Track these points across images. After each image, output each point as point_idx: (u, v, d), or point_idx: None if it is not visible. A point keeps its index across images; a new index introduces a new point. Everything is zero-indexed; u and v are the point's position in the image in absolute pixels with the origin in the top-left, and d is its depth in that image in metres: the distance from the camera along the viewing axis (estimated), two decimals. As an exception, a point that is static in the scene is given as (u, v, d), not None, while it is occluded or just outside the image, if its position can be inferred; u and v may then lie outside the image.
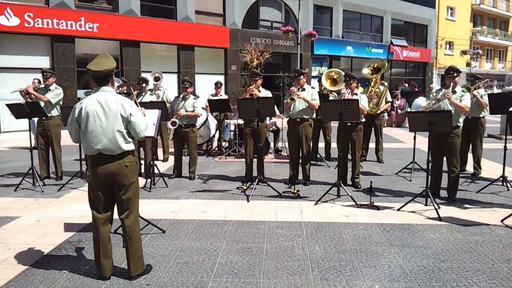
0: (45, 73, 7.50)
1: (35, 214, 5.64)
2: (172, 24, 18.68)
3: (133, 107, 3.66)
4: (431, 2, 33.09)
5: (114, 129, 3.56)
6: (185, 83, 7.83)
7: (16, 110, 6.98)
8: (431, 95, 6.43)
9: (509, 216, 5.22)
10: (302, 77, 7.02)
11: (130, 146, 3.69)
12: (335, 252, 4.30)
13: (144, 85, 8.47)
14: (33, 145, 7.29)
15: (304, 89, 7.01)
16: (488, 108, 7.56)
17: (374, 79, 8.81)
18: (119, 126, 3.58)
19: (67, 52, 15.85)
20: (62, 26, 15.52)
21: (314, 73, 24.70)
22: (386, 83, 9.18)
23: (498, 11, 41.07)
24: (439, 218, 5.28)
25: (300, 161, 7.24)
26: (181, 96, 7.78)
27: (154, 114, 5.49)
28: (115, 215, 3.78)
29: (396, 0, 29.97)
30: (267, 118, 9.42)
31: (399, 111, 17.47)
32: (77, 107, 3.65)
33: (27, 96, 7.91)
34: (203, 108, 11.03)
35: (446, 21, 35.04)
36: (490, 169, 8.31)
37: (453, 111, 5.85)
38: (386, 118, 16.95)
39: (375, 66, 8.96)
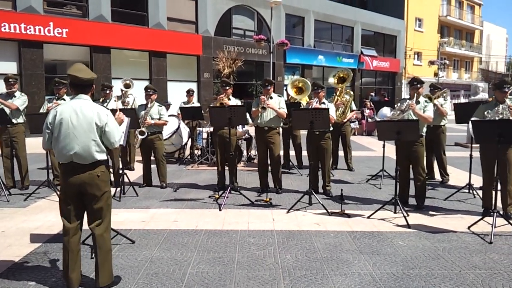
0: (10, 79, 7.29)
1: (0, 224, 5.46)
2: (143, 31, 18.51)
3: (109, 116, 3.60)
4: (400, 14, 33.99)
5: (88, 137, 3.50)
6: (149, 90, 7.75)
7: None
8: (395, 106, 6.58)
9: (475, 223, 5.36)
10: (270, 86, 7.06)
11: (103, 156, 3.63)
12: (306, 261, 4.32)
13: (108, 91, 8.33)
14: None
15: (271, 98, 7.05)
16: (447, 116, 8.09)
17: (340, 89, 8.94)
18: (93, 134, 3.53)
19: (35, 57, 15.49)
20: (30, 31, 15.18)
21: (286, 82, 24.88)
22: (352, 92, 9.34)
23: (464, 23, 42.46)
24: (408, 226, 5.37)
25: (270, 169, 7.26)
26: (147, 104, 7.68)
27: (123, 122, 5.39)
28: (85, 225, 3.69)
29: (366, 11, 30.67)
30: (239, 126, 9.47)
31: (369, 119, 17.77)
32: (52, 113, 3.59)
33: None
34: (175, 116, 10.96)
35: (415, 32, 35.97)
36: (457, 176, 8.53)
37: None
38: (357, 126, 17.25)
39: (341, 76, 9.10)
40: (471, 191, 7.16)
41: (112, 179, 7.72)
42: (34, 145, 7.57)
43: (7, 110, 7.06)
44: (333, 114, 7.22)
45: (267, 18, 22.11)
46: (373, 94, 24.88)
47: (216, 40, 21.29)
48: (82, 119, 3.50)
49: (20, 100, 7.30)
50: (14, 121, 7.20)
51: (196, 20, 20.76)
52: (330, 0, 28.17)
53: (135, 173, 8.92)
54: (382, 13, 31.63)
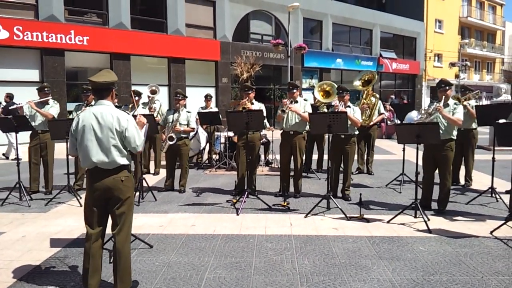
0: (46, 88, 7.51)
1: (21, 229, 5.55)
2: (162, 37, 18.72)
3: (129, 121, 3.62)
4: (420, 15, 33.60)
5: (109, 143, 3.54)
6: (178, 95, 7.78)
7: (3, 124, 6.92)
8: (422, 109, 6.45)
9: (498, 227, 5.23)
10: (295, 90, 7.03)
11: (126, 161, 3.66)
12: (324, 266, 4.27)
13: (137, 98, 8.44)
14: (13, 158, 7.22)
15: (296, 102, 7.02)
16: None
17: (365, 91, 8.87)
18: (114, 140, 3.56)
19: (56, 65, 15.79)
20: (52, 39, 15.50)
21: (304, 85, 24.84)
22: (377, 95, 9.24)
23: (485, 23, 41.75)
24: (429, 230, 5.27)
25: (292, 174, 7.23)
26: (174, 109, 7.75)
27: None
28: (108, 230, 3.73)
29: (384, 13, 30.39)
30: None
31: (388, 122, 17.56)
32: (75, 120, 3.67)
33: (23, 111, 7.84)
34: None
35: (435, 33, 35.50)
36: (479, 180, 8.35)
37: (446, 124, 5.88)
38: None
39: (366, 79, 9.02)
40: (493, 195, 6.98)
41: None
42: (56, 150, 7.72)
43: (41, 118, 7.27)
44: (359, 117, 7.13)
45: (284, 22, 22.10)
46: (393, 97, 24.59)
47: (234, 45, 21.39)
48: (104, 125, 3.54)
49: (55, 109, 7.54)
50: (45, 128, 7.36)
51: (214, 26, 20.90)
52: (348, 3, 28.04)
53: (155, 178, 8.99)
54: (401, 15, 31.30)
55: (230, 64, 20.90)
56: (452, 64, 32.22)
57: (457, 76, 33.08)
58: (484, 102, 38.08)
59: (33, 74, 15.42)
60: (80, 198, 6.73)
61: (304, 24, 24.83)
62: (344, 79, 26.76)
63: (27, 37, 14.94)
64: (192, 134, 10.37)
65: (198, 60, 20.20)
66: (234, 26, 21.59)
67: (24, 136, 8.00)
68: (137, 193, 6.96)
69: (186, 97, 8.03)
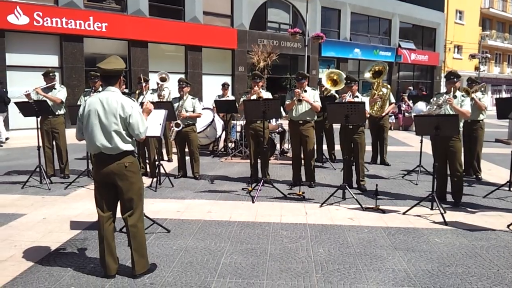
0: (51, 73, 7.57)
1: (41, 211, 5.68)
2: (180, 25, 18.74)
3: (133, 108, 3.64)
4: (440, 6, 32.98)
5: (112, 128, 3.59)
6: (181, 83, 7.87)
7: (24, 108, 7.05)
8: (431, 100, 6.42)
9: (515, 221, 5.19)
10: (304, 80, 7.02)
11: (130, 147, 3.69)
12: (339, 255, 4.29)
13: (144, 84, 8.50)
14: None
15: (305, 91, 7.01)
16: (486, 111, 7.86)
17: (376, 83, 8.79)
18: (117, 126, 3.60)
19: (75, 51, 15.94)
20: (71, 25, 15.62)
21: (321, 75, 24.63)
22: (389, 86, 9.16)
23: (507, 15, 40.78)
24: (445, 223, 5.25)
25: (303, 163, 7.24)
26: (179, 96, 7.81)
27: (160, 114, 5.49)
28: (118, 214, 3.81)
29: (404, 3, 29.88)
30: (273, 119, 9.48)
31: (406, 114, 17.41)
32: (82, 104, 3.75)
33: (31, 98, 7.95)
34: (209, 109, 11.08)
35: (455, 24, 34.86)
36: (497, 174, 8.26)
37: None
38: (393, 121, 16.91)
39: (377, 70, 8.93)
40: (511, 189, 6.91)
41: (149, 170, 7.91)
42: (73, 135, 7.83)
43: (50, 103, 7.32)
44: (367, 108, 7.10)
45: (302, 11, 21.91)
46: (411, 88, 24.31)
47: (251, 33, 21.31)
48: (108, 110, 3.59)
49: (62, 93, 7.59)
50: (56, 112, 7.45)
51: (232, 14, 20.83)
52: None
53: (171, 164, 9.08)
54: (421, 5, 30.74)
55: (247, 52, 20.85)
56: (472, 56, 31.68)
57: (477, 68, 32.54)
58: (504, 95, 37.46)
59: (53, 60, 15.59)
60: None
61: (322, 13, 24.58)
62: (361, 69, 26.44)
63: (47, 23, 15.07)
64: (207, 122, 10.45)
65: (215, 48, 20.18)
66: (252, 14, 21.49)
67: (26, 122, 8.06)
68: (155, 179, 7.07)
69: (190, 84, 8.08)
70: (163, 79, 9.25)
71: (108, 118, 3.58)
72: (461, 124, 6.15)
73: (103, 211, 3.73)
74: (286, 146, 10.54)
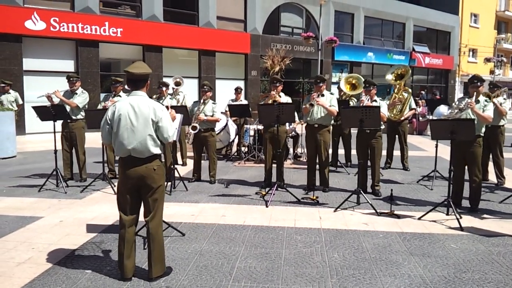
0: (71, 78, 7.69)
1: (58, 214, 5.76)
2: (194, 30, 18.88)
3: (164, 112, 3.74)
4: (455, 9, 32.73)
5: (145, 132, 3.65)
6: (205, 87, 7.89)
7: (42, 112, 7.14)
8: (453, 104, 6.35)
9: (533, 227, 5.12)
10: (322, 83, 7.01)
11: (158, 150, 3.77)
12: (354, 260, 4.28)
13: (164, 89, 8.58)
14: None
15: (323, 95, 7.00)
16: (506, 116, 7.70)
17: (398, 86, 8.75)
18: (150, 129, 3.67)
19: (91, 56, 16.15)
20: (87, 30, 15.84)
21: (334, 79, 24.61)
22: (410, 90, 9.10)
23: (523, 18, 40.33)
24: (461, 228, 5.20)
25: (318, 167, 7.23)
26: (201, 100, 7.85)
27: (176, 118, 5.55)
28: (141, 217, 3.85)
29: (418, 7, 29.72)
30: (287, 123, 9.47)
31: (420, 118, 17.26)
32: (111, 109, 3.78)
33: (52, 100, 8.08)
34: (222, 113, 11.13)
35: (470, 28, 34.55)
36: (514, 179, 8.15)
37: (475, 121, 5.77)
38: (408, 125, 16.76)
39: (399, 73, 8.90)
40: (529, 194, 6.82)
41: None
42: (90, 139, 7.94)
43: (68, 107, 7.43)
44: (385, 112, 7.07)
45: (315, 15, 21.92)
46: (423, 92, 24.13)
47: (264, 38, 21.37)
48: (140, 114, 3.65)
49: (80, 98, 7.68)
50: (73, 117, 7.56)
51: (245, 18, 20.93)
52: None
53: (186, 168, 9.14)
54: (435, 9, 30.54)
55: (260, 57, 20.91)
56: (487, 60, 31.38)
57: (492, 72, 32.18)
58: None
59: (69, 65, 15.81)
60: (114, 186, 6.91)
61: (335, 16, 24.57)
62: (375, 73, 26.37)
63: (63, 28, 15.31)
64: (221, 126, 10.49)
65: (228, 52, 20.29)
66: (265, 19, 21.56)
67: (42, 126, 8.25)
68: (169, 183, 7.12)
69: (212, 89, 8.12)
70: (177, 84, 9.33)
71: (139, 121, 3.65)
72: (483, 130, 6.08)
73: (127, 215, 3.77)
74: (300, 150, 10.54)
